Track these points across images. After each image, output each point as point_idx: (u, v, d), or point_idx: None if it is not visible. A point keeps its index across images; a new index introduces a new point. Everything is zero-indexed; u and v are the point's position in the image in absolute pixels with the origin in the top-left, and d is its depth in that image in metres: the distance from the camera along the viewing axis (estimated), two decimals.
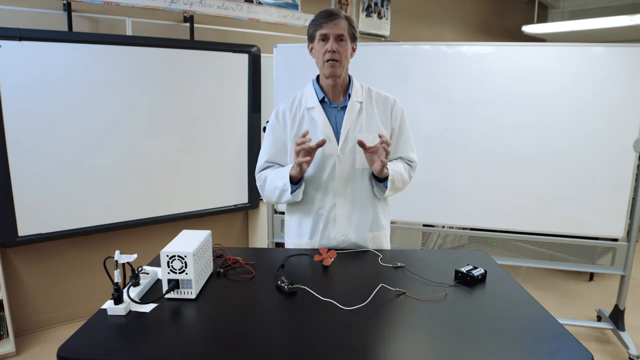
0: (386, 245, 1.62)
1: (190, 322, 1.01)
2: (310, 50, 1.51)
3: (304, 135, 1.36)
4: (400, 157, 1.60)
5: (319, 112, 1.51)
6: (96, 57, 2.53)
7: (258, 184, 1.59)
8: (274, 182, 1.50)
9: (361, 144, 1.39)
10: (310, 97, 1.54)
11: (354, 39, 1.48)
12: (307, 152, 1.37)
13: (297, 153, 1.37)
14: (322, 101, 1.53)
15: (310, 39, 1.50)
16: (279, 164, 1.60)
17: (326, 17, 1.43)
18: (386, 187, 1.47)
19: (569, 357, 0.89)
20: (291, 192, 1.46)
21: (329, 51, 1.42)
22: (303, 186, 1.50)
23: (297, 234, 1.59)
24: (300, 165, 1.38)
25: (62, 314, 2.81)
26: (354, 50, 1.51)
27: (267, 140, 1.60)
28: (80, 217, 2.62)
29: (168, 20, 2.97)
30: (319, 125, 1.51)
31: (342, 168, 1.50)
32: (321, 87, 1.54)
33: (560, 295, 3.39)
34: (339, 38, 1.42)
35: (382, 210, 1.60)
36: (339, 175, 1.50)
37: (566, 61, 2.48)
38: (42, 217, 2.49)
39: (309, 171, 1.51)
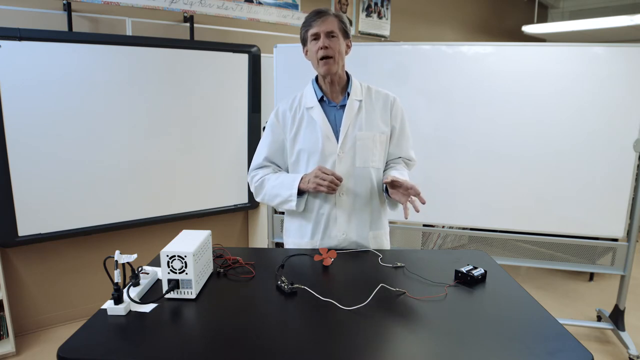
0: (386, 244, 1.62)
1: (190, 322, 1.01)
2: (306, 54, 1.52)
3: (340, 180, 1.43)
4: (400, 157, 1.60)
5: (317, 111, 1.51)
6: (96, 57, 2.53)
7: (253, 183, 1.59)
8: (277, 190, 1.52)
9: (392, 183, 1.39)
10: (310, 96, 1.54)
11: (346, 35, 1.48)
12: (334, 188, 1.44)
13: (321, 184, 1.42)
14: (321, 100, 1.53)
15: (304, 42, 1.51)
16: (276, 164, 1.60)
17: (314, 16, 1.44)
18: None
19: (569, 357, 0.89)
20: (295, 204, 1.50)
21: (321, 48, 1.42)
22: (306, 198, 1.52)
23: (298, 234, 1.58)
24: (316, 189, 1.43)
25: (62, 314, 2.81)
26: (348, 47, 1.52)
27: (265, 139, 1.60)
28: (80, 217, 2.62)
29: (168, 20, 2.97)
30: (318, 124, 1.50)
31: (343, 166, 1.50)
32: (320, 87, 1.54)
33: (560, 295, 3.39)
34: (330, 34, 1.43)
35: (382, 209, 1.60)
36: (340, 174, 1.50)
37: (566, 61, 2.48)
38: (42, 217, 2.49)
39: (310, 170, 1.51)
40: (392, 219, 1.70)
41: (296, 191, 1.48)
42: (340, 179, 1.44)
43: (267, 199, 1.57)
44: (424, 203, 1.32)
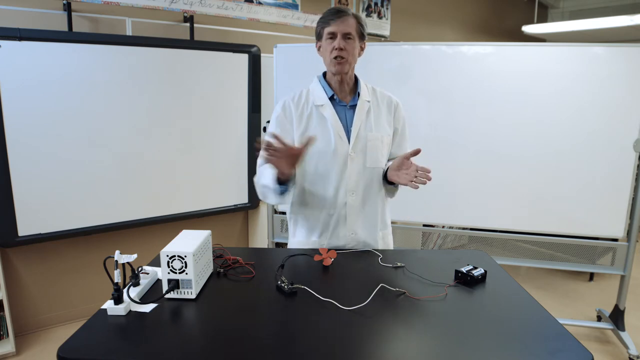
0: (391, 243, 1.64)
1: (190, 322, 1.01)
2: (318, 49, 1.51)
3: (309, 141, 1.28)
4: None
5: (329, 110, 1.49)
6: (96, 57, 2.53)
7: (254, 179, 1.50)
8: (263, 180, 1.41)
9: (405, 162, 1.39)
10: (319, 94, 1.52)
11: (362, 37, 1.48)
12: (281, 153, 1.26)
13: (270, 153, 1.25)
14: (331, 99, 1.51)
15: (318, 37, 1.49)
16: None
17: (334, 14, 1.42)
18: (396, 188, 1.54)
19: (569, 357, 0.89)
20: (280, 193, 1.37)
21: (336, 49, 1.41)
22: (292, 190, 1.41)
23: (307, 233, 1.57)
24: (270, 162, 1.28)
25: (62, 314, 2.81)
26: (362, 49, 1.51)
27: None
28: (80, 217, 2.62)
29: (168, 20, 2.97)
30: (329, 122, 1.49)
31: (354, 167, 1.49)
32: (329, 85, 1.52)
33: (560, 295, 3.39)
34: (347, 36, 1.42)
35: (387, 209, 1.62)
36: (350, 174, 1.49)
37: (566, 61, 2.48)
38: (42, 217, 2.49)
39: (320, 169, 1.49)
40: (392, 219, 1.71)
41: (275, 178, 1.34)
42: (302, 145, 1.28)
43: (258, 191, 1.46)
44: (429, 180, 1.36)
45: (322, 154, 1.49)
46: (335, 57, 1.42)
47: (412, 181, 1.37)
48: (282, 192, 1.38)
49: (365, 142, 1.49)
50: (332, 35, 1.43)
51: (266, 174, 1.41)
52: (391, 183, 1.51)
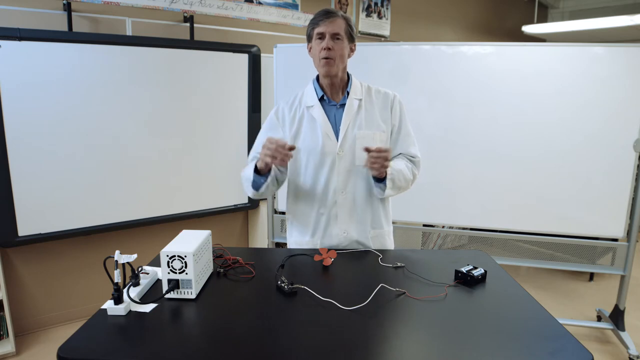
0: (390, 244, 1.62)
1: (190, 322, 1.01)
2: (309, 50, 1.52)
3: (291, 149, 1.35)
4: (400, 154, 1.59)
5: (318, 110, 1.52)
6: (96, 57, 2.53)
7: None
8: (246, 171, 1.52)
9: (367, 149, 1.37)
10: (310, 95, 1.55)
11: (351, 39, 1.49)
12: (278, 156, 1.34)
13: (266, 154, 1.35)
14: (321, 99, 1.53)
15: (309, 38, 1.51)
16: None
17: (323, 15, 1.44)
18: (386, 186, 1.46)
19: (569, 357, 0.89)
20: (252, 184, 1.48)
21: (324, 49, 1.43)
22: (268, 181, 1.47)
23: (300, 233, 1.59)
24: (264, 160, 1.37)
25: (62, 314, 2.81)
26: (352, 50, 1.52)
27: (262, 137, 1.57)
28: (80, 217, 2.62)
29: (168, 20, 2.97)
30: (318, 122, 1.51)
31: (342, 165, 1.50)
32: (320, 86, 1.54)
33: (560, 295, 3.39)
34: (335, 37, 1.43)
35: (383, 208, 1.59)
36: (339, 173, 1.50)
37: (566, 61, 2.48)
38: (42, 217, 2.49)
39: (310, 168, 1.52)
40: (392, 219, 1.70)
41: (253, 169, 1.46)
42: (288, 147, 1.34)
43: (242, 183, 1.55)
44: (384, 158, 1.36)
45: (312, 153, 1.51)
46: (323, 58, 1.44)
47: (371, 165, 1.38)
48: (257, 185, 1.48)
49: (354, 140, 1.49)
50: (321, 36, 1.44)
51: (248, 167, 1.51)
52: (379, 180, 1.47)
